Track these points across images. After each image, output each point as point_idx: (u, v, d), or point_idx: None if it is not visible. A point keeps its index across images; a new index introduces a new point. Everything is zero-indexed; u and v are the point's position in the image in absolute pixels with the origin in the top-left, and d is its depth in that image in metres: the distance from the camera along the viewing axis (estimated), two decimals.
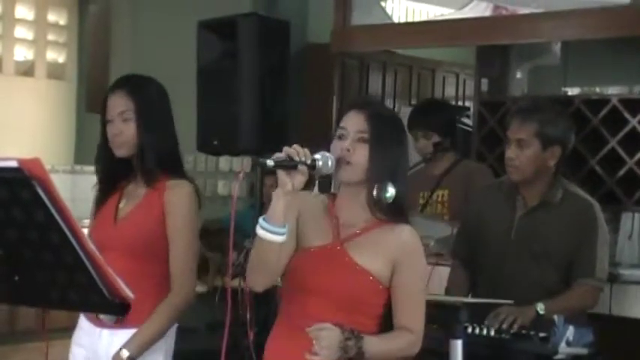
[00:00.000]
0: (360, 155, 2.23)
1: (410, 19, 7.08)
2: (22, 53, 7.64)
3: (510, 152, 3.08)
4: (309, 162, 2.14)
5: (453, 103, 7.32)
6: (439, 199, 4.20)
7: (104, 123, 2.72)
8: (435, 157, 4.19)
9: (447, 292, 3.29)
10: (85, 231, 2.73)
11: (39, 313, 6.02)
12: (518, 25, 5.16)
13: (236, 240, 4.75)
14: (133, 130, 2.66)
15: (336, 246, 2.28)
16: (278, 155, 2.13)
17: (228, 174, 6.66)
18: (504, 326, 2.81)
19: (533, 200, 3.13)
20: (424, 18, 6.70)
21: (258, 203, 4.79)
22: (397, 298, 2.27)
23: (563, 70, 6.57)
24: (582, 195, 3.16)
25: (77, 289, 1.72)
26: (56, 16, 7.84)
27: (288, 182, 2.12)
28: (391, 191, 2.23)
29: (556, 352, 2.74)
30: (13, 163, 1.60)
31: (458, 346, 2.66)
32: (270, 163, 2.10)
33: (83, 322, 2.76)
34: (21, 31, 7.61)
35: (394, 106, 6.85)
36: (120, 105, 2.68)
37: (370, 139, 2.24)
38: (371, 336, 2.22)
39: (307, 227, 2.32)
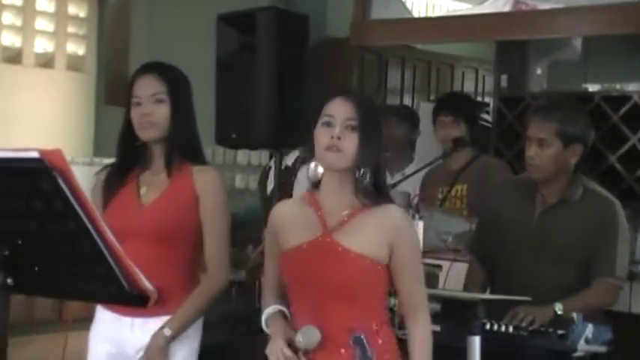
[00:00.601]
0: (350, 142, 2.25)
1: (429, 14, 7.06)
2: (42, 45, 7.66)
3: (531, 151, 3.05)
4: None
5: None
6: (457, 194, 4.20)
7: (128, 108, 2.69)
8: (454, 152, 4.19)
9: (465, 288, 3.28)
10: None
11: (56, 304, 6.05)
12: (538, 20, 5.13)
13: (254, 234, 4.75)
14: (166, 112, 2.66)
15: (325, 238, 2.29)
16: None
17: (246, 167, 6.68)
18: (523, 325, 2.80)
19: (553, 198, 3.11)
20: (443, 13, 6.67)
21: (276, 197, 4.80)
22: (400, 278, 2.31)
23: (584, 66, 6.53)
24: (602, 193, 3.14)
25: (96, 280, 1.72)
26: (76, 9, 7.86)
27: None
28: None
29: (575, 350, 2.72)
30: (35, 154, 1.60)
31: (475, 343, 2.65)
32: None
33: (104, 314, 2.70)
34: (41, 23, 7.63)
35: (413, 102, 6.84)
36: (151, 87, 2.67)
37: (359, 127, 2.26)
38: None
39: (290, 231, 2.34)
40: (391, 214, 2.32)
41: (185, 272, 2.66)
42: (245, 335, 3.85)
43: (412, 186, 4.08)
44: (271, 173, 4.70)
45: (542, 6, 5.16)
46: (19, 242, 1.74)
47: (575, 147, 3.04)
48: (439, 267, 3.43)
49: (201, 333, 2.75)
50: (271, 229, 2.40)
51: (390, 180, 3.71)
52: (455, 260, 3.42)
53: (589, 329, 2.74)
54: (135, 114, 2.67)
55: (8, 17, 7.36)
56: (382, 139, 2.37)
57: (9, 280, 1.73)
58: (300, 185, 4.58)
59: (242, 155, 6.57)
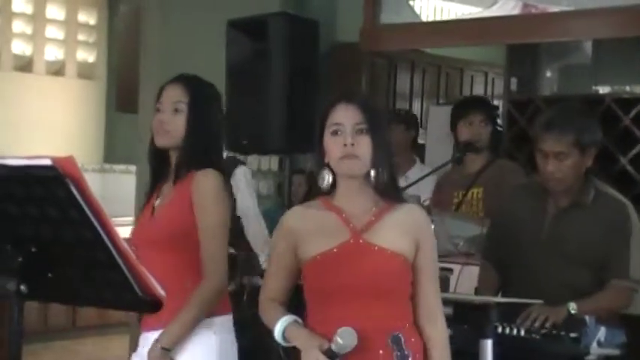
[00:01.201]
0: (364, 146, 2.25)
1: (438, 18, 7.06)
2: (53, 53, 7.71)
3: (550, 166, 3.01)
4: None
5: None
6: (474, 197, 4.19)
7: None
8: (470, 154, 4.19)
9: (477, 291, 3.27)
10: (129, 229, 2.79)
11: (69, 311, 6.08)
12: (548, 23, 5.12)
13: (266, 238, 4.70)
14: (181, 122, 2.68)
15: (357, 240, 2.27)
16: None
17: (257, 173, 6.67)
18: (537, 324, 2.79)
19: (565, 201, 3.10)
20: (452, 17, 6.67)
21: (287, 202, 4.82)
22: (419, 278, 2.30)
23: (594, 68, 6.50)
24: (615, 195, 3.12)
25: (110, 287, 1.73)
26: (86, 16, 7.91)
27: None
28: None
29: (587, 353, 2.72)
30: (47, 162, 1.61)
31: (488, 346, 2.65)
32: None
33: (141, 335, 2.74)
34: (52, 31, 7.69)
35: (422, 106, 6.84)
36: (174, 95, 2.70)
37: (369, 129, 2.26)
38: None
39: (312, 237, 2.30)
40: (415, 212, 2.34)
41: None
42: (256, 341, 3.85)
43: (420, 189, 4.07)
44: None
45: (552, 9, 5.15)
46: (33, 249, 1.74)
47: (591, 151, 3.04)
48: (450, 270, 3.43)
49: (226, 334, 2.72)
50: (289, 238, 2.33)
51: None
52: (466, 264, 3.41)
53: (602, 332, 2.74)
54: (155, 120, 2.72)
55: (19, 25, 7.41)
56: (390, 135, 2.39)
57: (22, 287, 1.74)
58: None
59: (252, 161, 6.56)
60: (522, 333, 2.80)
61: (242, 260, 5.31)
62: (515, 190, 3.42)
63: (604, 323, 2.77)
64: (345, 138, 2.25)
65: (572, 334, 2.74)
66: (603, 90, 6.34)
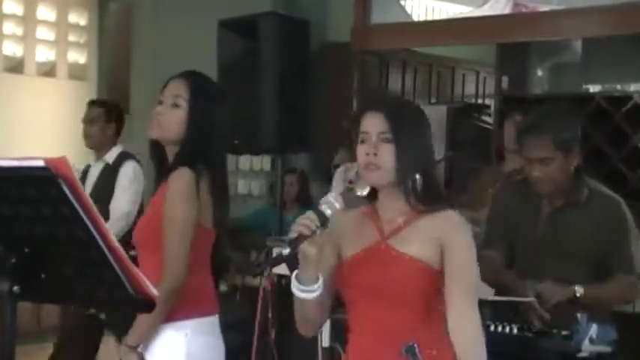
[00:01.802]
0: (387, 156, 2.21)
1: (429, 18, 7.08)
2: (44, 54, 7.69)
3: (536, 172, 3.00)
4: (319, 224, 2.11)
5: (473, 101, 7.31)
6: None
7: None
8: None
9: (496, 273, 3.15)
10: None
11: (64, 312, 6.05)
12: (539, 22, 5.14)
13: (257, 238, 4.73)
14: (176, 117, 2.64)
15: (380, 244, 2.26)
16: (290, 237, 2.10)
17: (248, 173, 6.69)
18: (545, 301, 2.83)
19: (558, 200, 3.08)
20: (443, 16, 6.69)
21: (279, 202, 4.81)
22: (448, 286, 2.20)
23: (584, 67, 6.53)
24: (608, 192, 3.12)
25: (103, 286, 1.73)
26: (77, 17, 7.88)
27: (311, 249, 2.11)
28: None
29: (579, 350, 2.73)
30: (40, 163, 1.61)
31: None
32: (285, 251, 2.09)
33: None
34: (42, 32, 7.66)
35: None
36: (175, 89, 2.67)
37: (394, 138, 2.21)
38: None
39: (349, 239, 2.29)
40: (447, 218, 2.24)
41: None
42: (247, 341, 3.85)
43: None
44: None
45: (542, 8, 5.17)
46: (26, 250, 1.74)
47: (575, 150, 3.01)
48: None
49: (204, 336, 2.67)
50: (334, 237, 2.28)
51: None
52: None
53: (593, 329, 2.74)
54: (154, 111, 2.68)
55: (9, 27, 7.39)
56: (428, 141, 2.29)
57: (15, 288, 1.73)
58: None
59: (244, 161, 6.57)
60: (515, 331, 2.81)
61: (235, 261, 5.32)
62: (512, 187, 3.39)
63: (596, 320, 2.78)
64: (369, 147, 2.23)
65: (564, 332, 2.75)
66: (594, 88, 6.37)
